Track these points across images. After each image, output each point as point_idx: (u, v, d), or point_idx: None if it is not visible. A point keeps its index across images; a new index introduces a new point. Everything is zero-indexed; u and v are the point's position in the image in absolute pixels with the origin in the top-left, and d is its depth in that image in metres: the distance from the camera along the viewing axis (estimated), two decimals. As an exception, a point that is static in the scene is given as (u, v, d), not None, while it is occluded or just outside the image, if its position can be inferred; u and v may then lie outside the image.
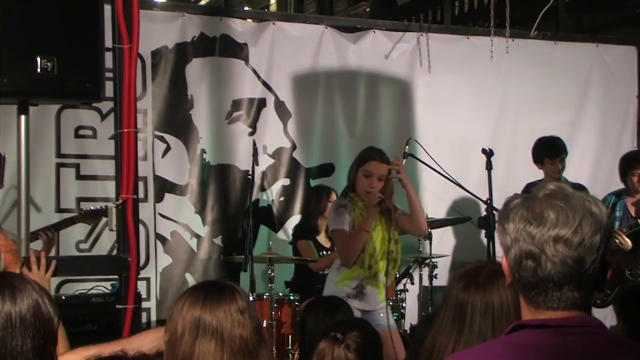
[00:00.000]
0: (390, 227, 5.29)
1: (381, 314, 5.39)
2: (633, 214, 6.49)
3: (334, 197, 6.85)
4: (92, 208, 5.96)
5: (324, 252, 6.82)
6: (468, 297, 2.54)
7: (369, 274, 5.35)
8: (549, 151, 6.73)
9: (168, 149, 6.85)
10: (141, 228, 6.25)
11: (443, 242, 7.40)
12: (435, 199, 7.46)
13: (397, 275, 6.25)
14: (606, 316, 6.43)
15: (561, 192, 1.78)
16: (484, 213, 5.87)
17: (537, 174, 6.84)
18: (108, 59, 4.54)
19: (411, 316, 6.76)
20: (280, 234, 7.19)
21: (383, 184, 5.34)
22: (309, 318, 4.19)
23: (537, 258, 1.74)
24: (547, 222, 1.74)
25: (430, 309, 6.47)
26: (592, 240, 1.74)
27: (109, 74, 4.58)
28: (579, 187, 1.94)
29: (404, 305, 6.38)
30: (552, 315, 1.76)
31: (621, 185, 6.68)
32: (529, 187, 6.56)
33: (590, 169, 8.09)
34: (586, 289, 1.76)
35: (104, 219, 5.90)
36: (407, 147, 6.05)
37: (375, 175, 5.34)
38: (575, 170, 7.66)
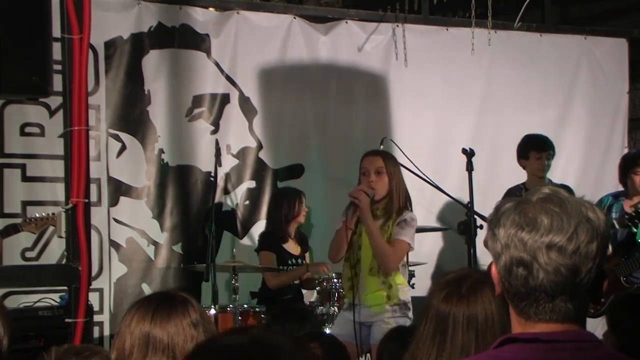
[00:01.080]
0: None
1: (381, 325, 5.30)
2: None
3: (304, 199, 6.87)
4: (37, 215, 5.90)
5: (293, 261, 6.82)
6: (450, 309, 2.52)
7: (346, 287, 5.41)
8: (536, 144, 6.76)
9: (123, 148, 6.82)
10: (93, 234, 6.21)
11: (421, 248, 7.37)
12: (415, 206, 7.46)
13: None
14: (596, 327, 6.45)
15: (556, 196, 1.78)
16: (464, 218, 5.84)
17: (521, 176, 6.85)
18: (56, 51, 4.48)
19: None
20: (245, 241, 7.18)
21: (384, 178, 5.37)
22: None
23: (529, 266, 1.75)
24: (541, 228, 1.74)
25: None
26: (588, 248, 1.74)
27: (58, 67, 4.53)
28: (565, 189, 1.93)
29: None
30: (544, 328, 1.76)
31: (608, 187, 6.71)
32: (510, 193, 6.63)
33: (577, 169, 8.15)
34: (581, 300, 1.76)
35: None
36: (382, 146, 6.05)
37: (371, 169, 5.36)
38: (562, 170, 7.72)
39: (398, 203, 5.41)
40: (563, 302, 1.75)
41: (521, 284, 1.76)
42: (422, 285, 6.78)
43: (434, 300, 2.57)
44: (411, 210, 5.49)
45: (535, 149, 6.75)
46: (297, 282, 6.79)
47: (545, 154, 6.75)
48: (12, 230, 5.88)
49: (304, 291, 6.88)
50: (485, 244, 1.86)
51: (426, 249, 7.50)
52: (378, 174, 5.37)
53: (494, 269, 1.82)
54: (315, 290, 6.47)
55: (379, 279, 5.37)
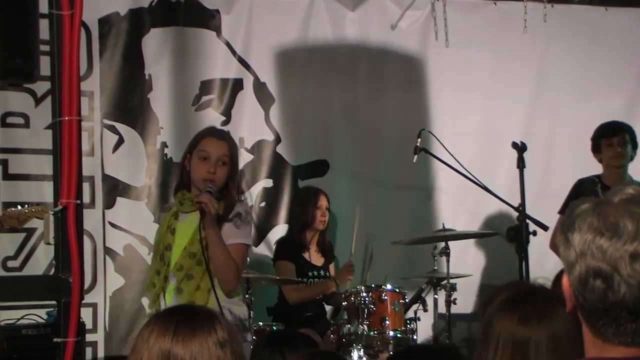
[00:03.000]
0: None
1: None
2: None
3: (324, 201, 6.85)
4: (20, 208, 5.81)
5: (314, 273, 6.84)
6: (530, 332, 2.48)
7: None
8: (605, 130, 6.66)
9: (120, 141, 6.85)
10: (86, 241, 6.21)
11: (464, 258, 7.38)
12: (453, 205, 7.45)
13: (406, 300, 6.22)
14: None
15: None
16: (515, 222, 5.82)
17: (584, 173, 6.79)
18: (44, 29, 4.49)
19: (424, 351, 6.74)
20: (261, 249, 7.20)
21: (227, 171, 4.80)
22: (262, 354, 4.06)
23: (609, 278, 1.73)
24: (624, 234, 1.73)
25: (448, 341, 6.44)
26: None
27: (45, 48, 4.53)
28: None
29: (414, 337, 6.34)
30: (625, 353, 1.75)
31: None
32: (582, 183, 6.54)
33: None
34: None
35: (39, 229, 5.83)
36: (419, 140, 6.04)
37: (214, 156, 4.78)
38: (632, 168, 7.64)
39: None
40: None
41: (599, 299, 1.75)
42: (466, 300, 6.77)
43: (504, 323, 2.51)
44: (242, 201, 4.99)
45: (605, 136, 6.67)
46: (319, 296, 6.79)
47: (617, 139, 6.63)
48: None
49: (327, 307, 6.91)
50: (554, 248, 1.84)
51: (470, 259, 7.48)
52: (224, 165, 4.79)
53: (565, 281, 1.81)
54: (341, 306, 6.40)
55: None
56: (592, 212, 1.77)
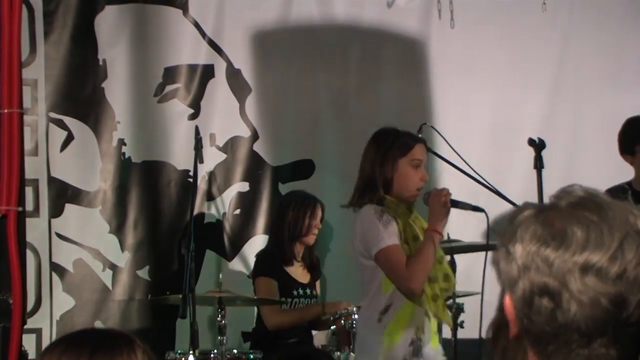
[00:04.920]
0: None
1: None
2: None
3: (320, 213, 6.86)
4: None
5: (300, 291, 6.81)
6: None
7: (433, 309, 5.50)
8: None
9: (70, 138, 6.84)
10: (29, 255, 6.15)
11: (472, 273, 7.34)
12: (460, 212, 7.39)
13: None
14: None
15: (593, 200, 1.78)
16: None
17: (612, 177, 6.79)
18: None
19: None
20: (236, 263, 7.21)
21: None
22: None
23: (556, 295, 1.73)
24: (572, 244, 1.73)
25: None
26: (637, 272, 1.72)
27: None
28: None
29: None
30: None
31: None
32: (609, 193, 6.50)
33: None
34: (628, 344, 1.75)
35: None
36: (420, 135, 6.01)
37: (423, 163, 5.56)
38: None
39: None
40: (604, 347, 1.73)
41: (546, 320, 1.74)
42: (474, 323, 6.74)
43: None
44: None
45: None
46: (302, 323, 6.79)
47: None
48: None
49: (314, 332, 6.89)
50: (496, 264, 1.82)
51: (479, 274, 7.43)
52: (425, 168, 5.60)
53: (507, 301, 1.80)
54: (329, 331, 6.44)
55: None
56: (536, 219, 1.78)
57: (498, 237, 1.85)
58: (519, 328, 1.79)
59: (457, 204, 5.56)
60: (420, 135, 5.96)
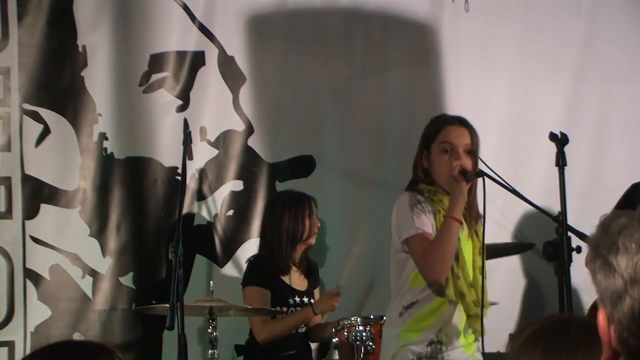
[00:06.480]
0: (477, 232, 5.76)
1: None
2: None
3: (315, 209, 6.88)
4: None
5: (297, 300, 6.81)
6: None
7: (464, 306, 5.58)
8: None
9: (46, 132, 6.82)
10: (1, 260, 6.32)
11: (489, 281, 7.27)
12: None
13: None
14: None
15: None
16: (553, 236, 5.71)
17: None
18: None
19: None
20: (229, 269, 7.19)
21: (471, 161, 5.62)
22: None
23: None
24: None
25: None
26: None
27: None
28: None
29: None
30: None
31: None
32: (636, 188, 6.52)
33: None
34: None
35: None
36: (430, 130, 5.97)
37: (460, 146, 5.58)
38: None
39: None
40: None
41: None
42: (494, 337, 6.65)
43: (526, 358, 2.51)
44: None
45: None
46: (302, 329, 6.78)
47: None
48: None
49: (312, 345, 6.92)
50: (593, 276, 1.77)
51: (497, 283, 7.42)
52: (469, 154, 5.61)
53: (602, 319, 1.75)
54: (331, 344, 6.43)
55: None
56: None
57: (591, 248, 1.80)
58: (618, 349, 1.74)
59: (466, 176, 5.50)
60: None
